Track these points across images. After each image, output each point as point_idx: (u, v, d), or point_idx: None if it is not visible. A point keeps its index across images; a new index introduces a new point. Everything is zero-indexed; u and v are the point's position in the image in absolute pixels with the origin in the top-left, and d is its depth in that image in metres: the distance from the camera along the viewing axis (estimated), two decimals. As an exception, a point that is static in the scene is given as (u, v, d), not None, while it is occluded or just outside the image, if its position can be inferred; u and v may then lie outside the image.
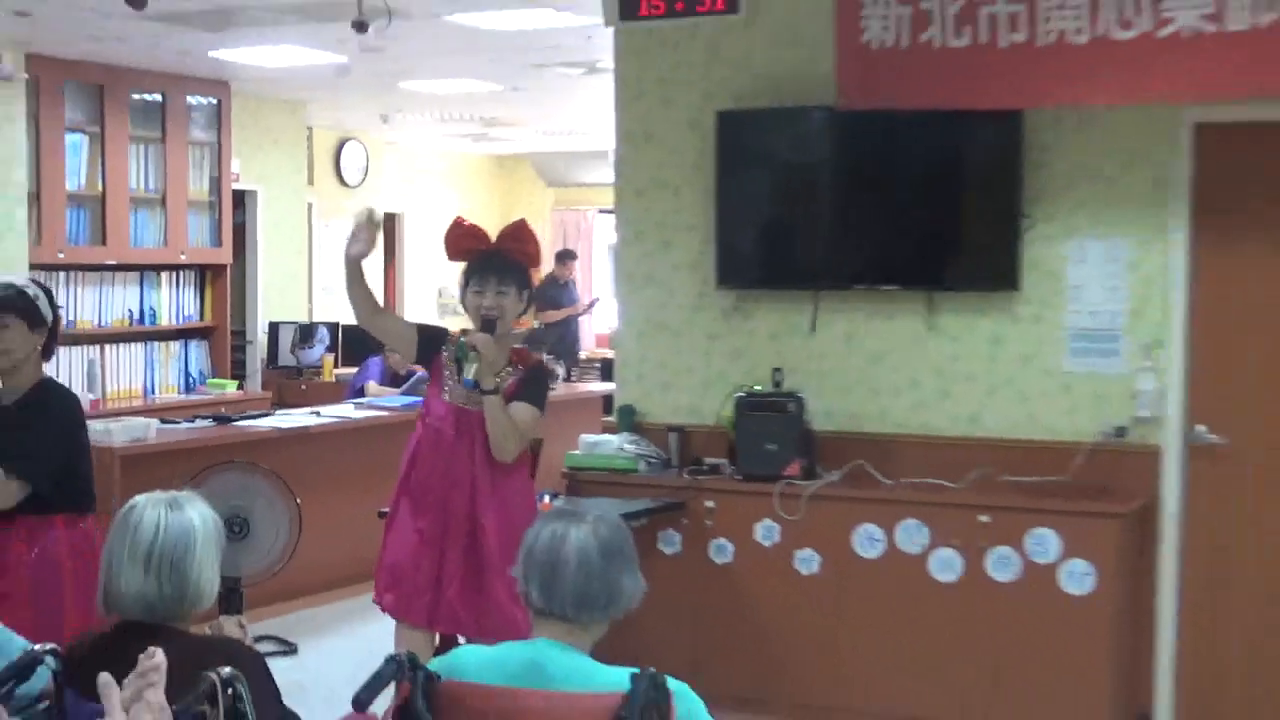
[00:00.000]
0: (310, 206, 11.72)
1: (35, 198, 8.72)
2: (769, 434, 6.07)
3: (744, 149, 6.28)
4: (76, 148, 9.14)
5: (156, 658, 2.15)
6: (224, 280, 10.26)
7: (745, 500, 6.03)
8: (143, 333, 9.73)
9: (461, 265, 4.99)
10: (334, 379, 10.66)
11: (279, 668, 3.58)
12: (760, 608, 6.01)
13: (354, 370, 10.23)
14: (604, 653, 2.79)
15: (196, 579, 2.81)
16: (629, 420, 6.60)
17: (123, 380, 9.54)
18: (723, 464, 6.23)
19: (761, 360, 6.35)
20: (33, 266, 8.62)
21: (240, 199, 10.61)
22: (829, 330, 6.30)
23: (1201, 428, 5.82)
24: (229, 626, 3.09)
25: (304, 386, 10.60)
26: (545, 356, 10.52)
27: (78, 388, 9.09)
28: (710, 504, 6.09)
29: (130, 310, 9.64)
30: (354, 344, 10.27)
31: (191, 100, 9.84)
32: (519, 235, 5.00)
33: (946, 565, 5.74)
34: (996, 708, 5.69)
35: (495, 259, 4.90)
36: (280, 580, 6.61)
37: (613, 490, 6.15)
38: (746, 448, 6.11)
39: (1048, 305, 5.99)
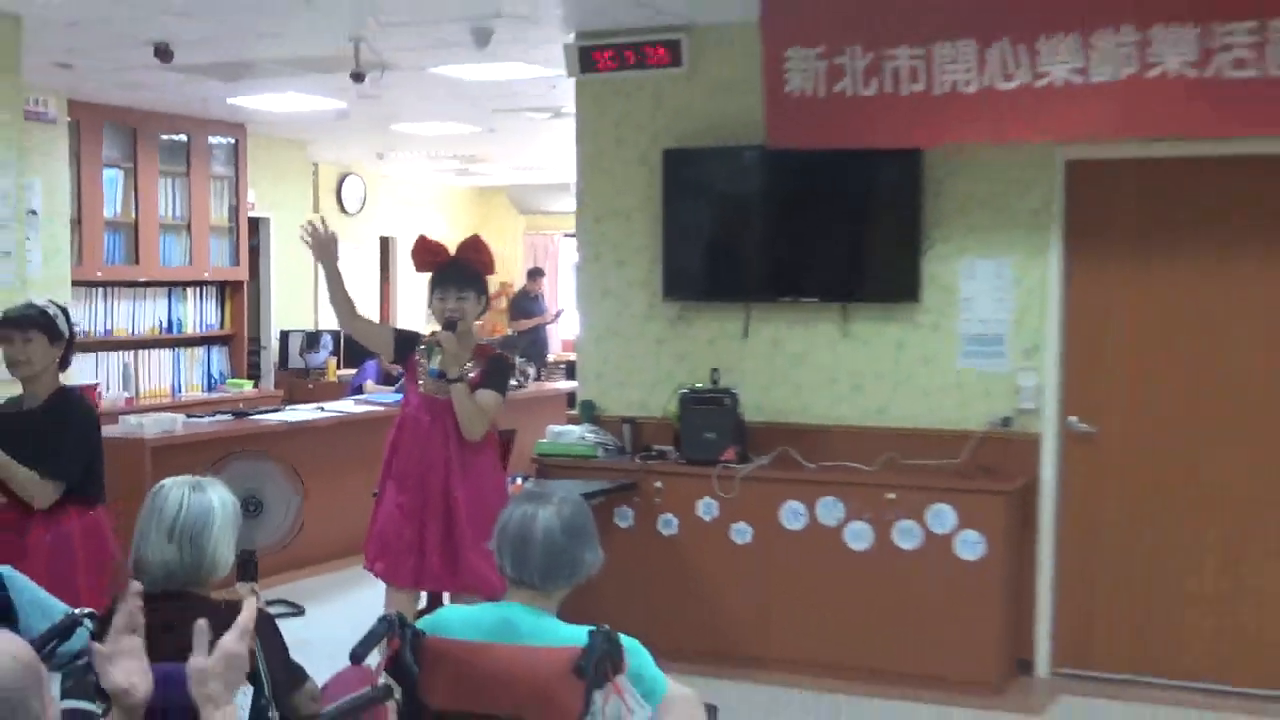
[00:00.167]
0: (315, 231, 11.67)
1: (77, 224, 8.69)
2: (708, 424, 6.09)
3: (686, 182, 6.30)
4: (113, 181, 9.10)
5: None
6: (241, 295, 10.25)
7: (688, 481, 6.04)
8: (171, 340, 9.70)
9: (427, 276, 5.01)
10: (336, 379, 10.64)
11: (288, 627, 3.57)
12: (701, 573, 6.03)
13: (354, 371, 10.21)
14: (567, 613, 2.80)
15: (213, 551, 2.81)
16: (589, 413, 6.61)
17: (153, 381, 9.50)
18: (669, 450, 6.25)
19: (701, 362, 6.36)
20: (75, 283, 8.60)
21: (255, 225, 10.57)
22: (759, 336, 6.32)
23: (1074, 418, 5.89)
24: (244, 592, 3.09)
25: (310, 385, 10.57)
26: (518, 359, 10.56)
27: (114, 388, 9.09)
28: (658, 484, 6.11)
29: (160, 320, 9.61)
30: (353, 349, 10.23)
31: (212, 140, 9.80)
32: (474, 247, 5.04)
33: (859, 536, 5.77)
34: (901, 655, 5.73)
35: (454, 269, 4.95)
36: (289, 552, 6.62)
37: (575, 473, 6.15)
38: (689, 436, 6.13)
39: (944, 315, 6.02)
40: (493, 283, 15.10)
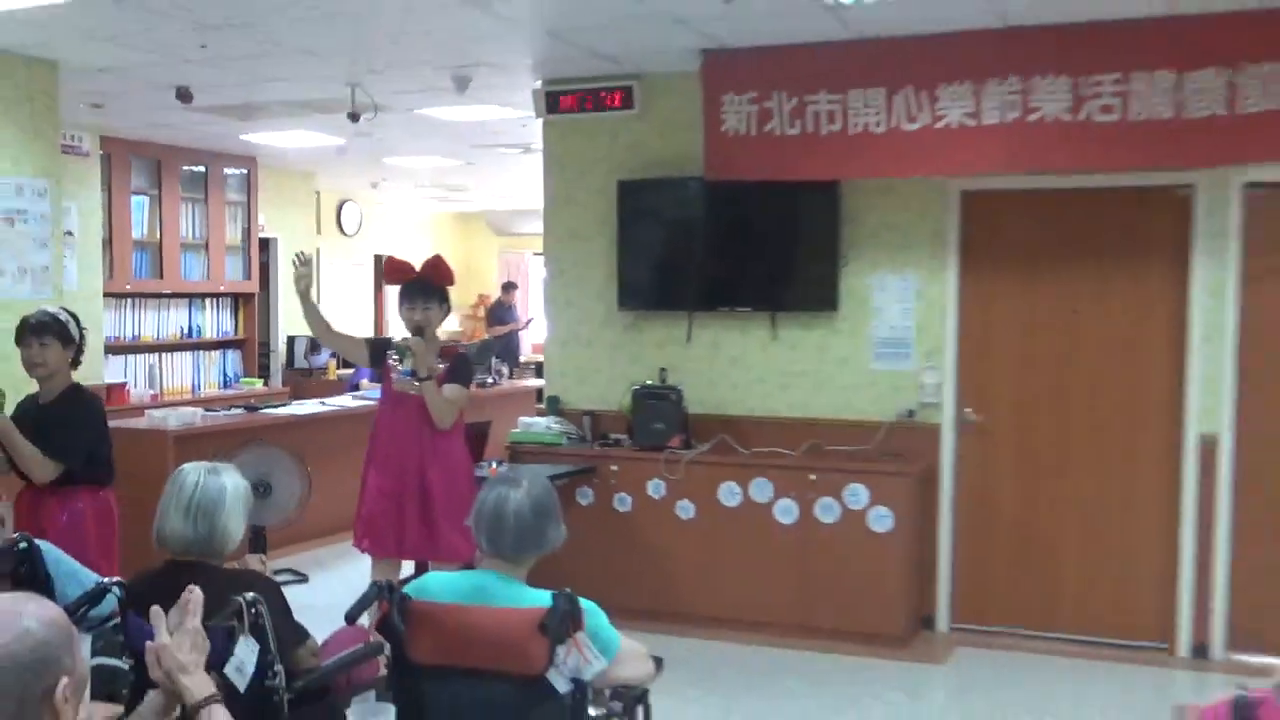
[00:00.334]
0: (318, 250, 11.57)
1: (109, 243, 8.59)
2: (657, 416, 6.09)
3: (638, 209, 6.30)
4: (140, 206, 9.00)
5: (195, 594, 2.13)
6: (253, 305, 10.16)
7: (640, 465, 6.03)
8: (191, 344, 9.61)
9: (397, 289, 5.01)
10: (336, 377, 10.54)
11: (293, 593, 3.54)
12: (651, 544, 6.02)
13: (351, 371, 10.13)
14: (536, 578, 2.79)
15: (224, 526, 2.79)
16: (555, 406, 6.59)
17: (176, 380, 9.42)
18: (623, 438, 6.24)
19: (651, 362, 6.36)
20: (107, 295, 8.51)
21: (265, 244, 10.48)
22: (700, 340, 6.32)
23: (967, 410, 5.93)
24: (253, 563, 3.07)
25: (314, 383, 10.50)
26: (494, 360, 10.55)
27: (141, 386, 8.99)
28: (614, 468, 6.09)
29: (181, 327, 9.52)
30: (377, 346, 10.17)
31: (227, 171, 9.71)
32: (436, 265, 5.01)
33: (786, 511, 5.79)
34: (823, 613, 5.76)
35: (420, 283, 4.94)
36: (295, 528, 6.54)
37: (543, 458, 6.13)
38: (640, 426, 6.13)
39: (859, 322, 6.05)
40: (471, 295, 15.18)
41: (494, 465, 5.90)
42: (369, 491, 4.94)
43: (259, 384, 9.94)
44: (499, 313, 12.96)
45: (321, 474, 6.22)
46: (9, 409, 4.31)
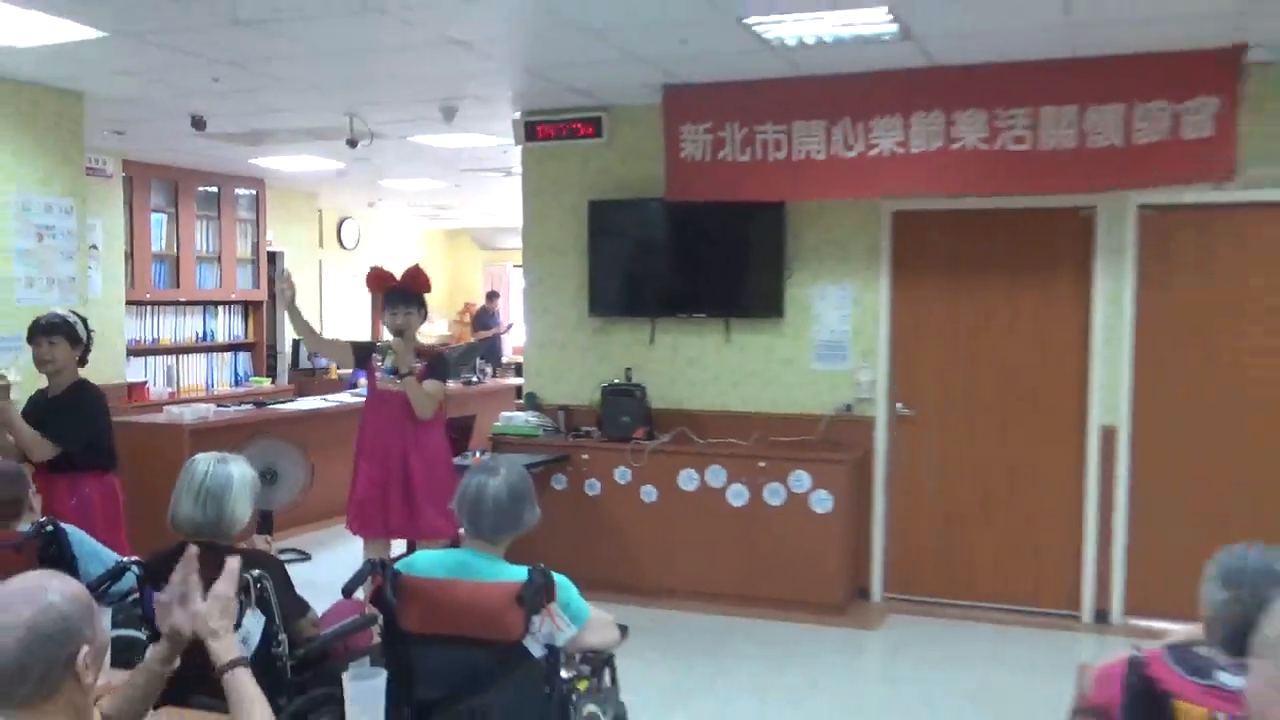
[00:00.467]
0: (320, 263, 11.52)
1: (130, 256, 8.49)
2: (623, 410, 6.09)
3: (606, 226, 6.30)
4: (159, 223, 8.91)
5: (231, 563, 2.09)
6: (261, 311, 10.07)
7: (608, 454, 6.03)
8: (205, 346, 9.52)
9: (380, 296, 4.98)
10: (337, 377, 10.48)
11: (297, 570, 3.53)
12: (618, 524, 6.02)
13: (350, 371, 10.10)
14: (515, 555, 2.79)
15: (230, 510, 2.77)
16: (533, 402, 6.57)
17: (191, 378, 9.33)
18: (593, 430, 6.23)
19: (618, 363, 6.36)
20: (129, 302, 8.40)
21: (272, 257, 10.38)
22: (661, 343, 6.33)
23: (899, 405, 5.95)
24: (259, 543, 3.05)
25: (316, 382, 10.43)
26: (479, 360, 10.52)
27: (160, 384, 8.90)
28: (585, 456, 6.08)
29: (196, 331, 9.43)
30: (361, 349, 10.11)
31: (238, 191, 9.62)
32: (414, 275, 4.97)
33: (738, 495, 5.80)
34: (770, 585, 5.77)
35: (400, 291, 4.92)
36: (299, 511, 6.54)
37: (522, 448, 6.12)
38: (609, 419, 6.13)
39: (802, 327, 6.07)
40: (459, 303, 15.10)
41: (477, 455, 5.89)
42: (359, 480, 4.92)
43: (267, 382, 9.86)
44: (483, 319, 12.94)
45: (322, 463, 6.19)
46: (22, 402, 4.26)
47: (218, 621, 1.98)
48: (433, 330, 13.13)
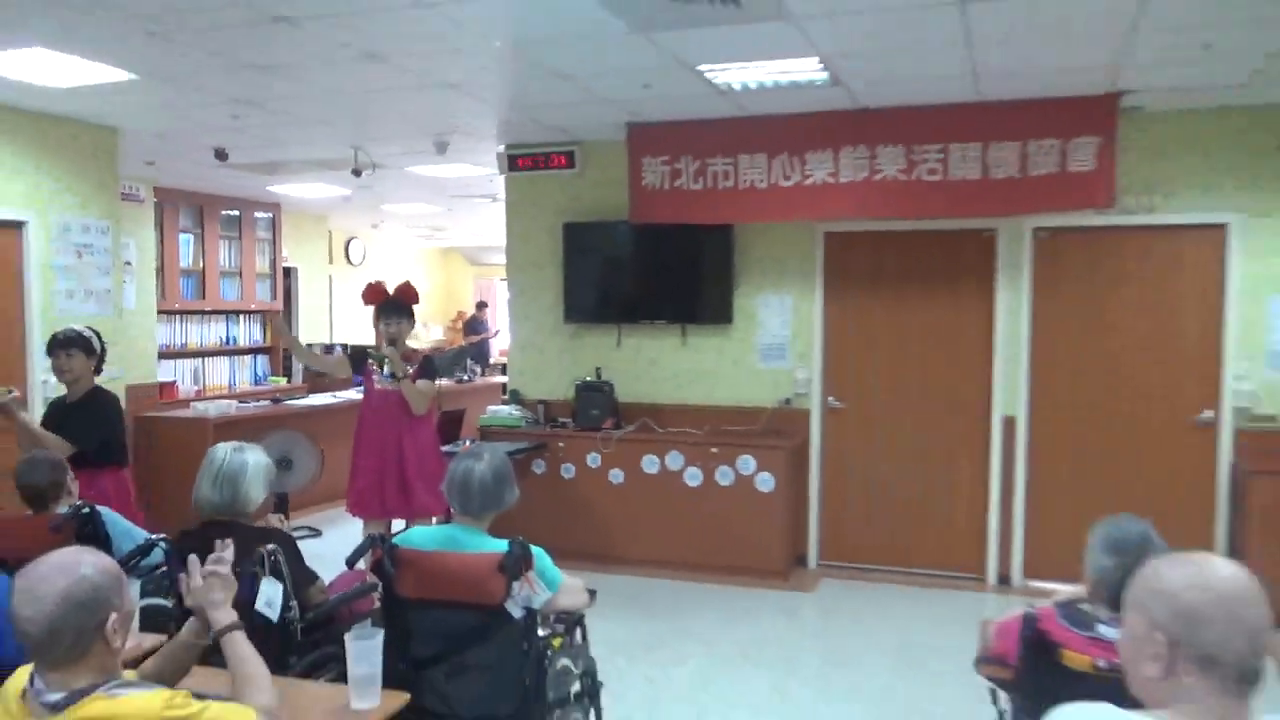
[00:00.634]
0: (330, 277, 11.39)
1: (161, 271, 8.34)
2: (594, 404, 6.08)
3: (579, 245, 6.27)
4: (187, 242, 8.76)
5: (227, 550, 2.08)
6: (278, 320, 9.92)
7: (581, 442, 6.01)
8: (228, 350, 9.37)
9: (373, 307, 4.90)
10: (346, 376, 10.35)
11: (309, 545, 3.48)
12: (590, 503, 6.00)
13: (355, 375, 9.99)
14: (501, 530, 2.77)
15: (245, 493, 2.74)
16: (515, 397, 6.54)
17: (216, 378, 9.18)
18: (568, 421, 6.20)
19: (590, 363, 6.34)
20: (160, 312, 8.26)
21: (288, 272, 10.27)
22: (627, 346, 6.32)
23: (831, 398, 5.97)
24: (274, 521, 3.01)
25: (327, 381, 10.27)
26: (469, 361, 10.44)
27: (187, 384, 8.76)
28: (561, 444, 6.06)
29: (220, 337, 9.28)
30: (356, 356, 10.02)
31: (257, 214, 9.49)
32: (405, 290, 4.92)
33: (693, 476, 5.79)
34: (722, 554, 5.77)
35: (392, 303, 4.87)
36: (311, 494, 6.47)
37: (506, 437, 6.08)
38: (581, 412, 6.11)
39: (748, 332, 6.07)
40: (452, 311, 14.97)
41: (466, 443, 5.85)
42: (358, 469, 4.87)
43: (283, 381, 9.72)
44: (474, 325, 12.87)
45: (331, 451, 6.14)
46: (39, 410, 4.16)
47: (216, 594, 1.97)
48: (429, 336, 13.03)
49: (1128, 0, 3.53)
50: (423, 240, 13.76)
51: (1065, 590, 2.52)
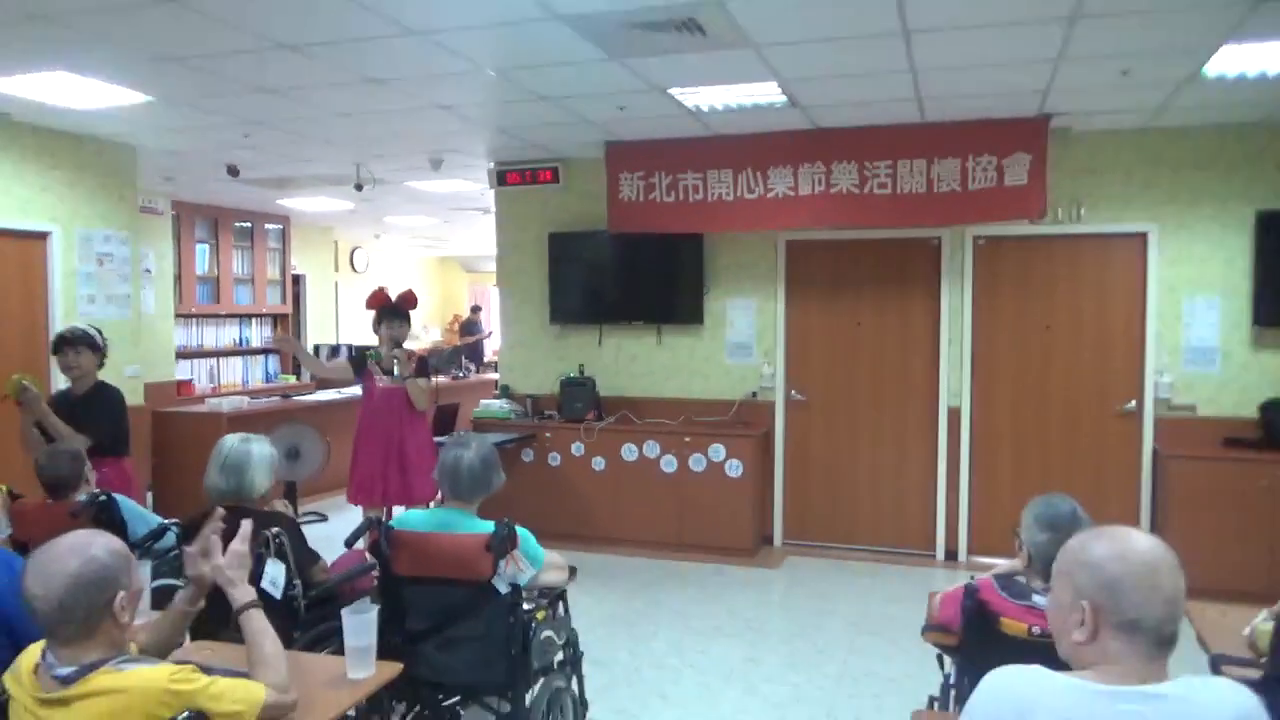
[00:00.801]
0: (336, 284, 11.30)
1: (178, 278, 8.24)
2: (578, 398, 6.05)
3: (564, 252, 6.24)
4: (203, 251, 8.65)
5: (245, 525, 2.03)
6: (287, 322, 9.81)
7: (566, 432, 5.98)
8: (241, 351, 9.27)
9: (374, 312, 4.85)
10: (349, 379, 10.27)
11: (316, 529, 3.45)
12: (574, 488, 5.98)
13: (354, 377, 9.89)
14: (494, 513, 2.73)
15: (250, 480, 2.70)
16: (506, 392, 6.49)
17: (230, 376, 9.08)
18: (554, 414, 6.17)
19: (574, 360, 6.31)
20: (177, 315, 8.16)
21: (297, 279, 10.18)
22: (608, 344, 6.29)
23: (793, 392, 5.97)
24: (279, 506, 2.96)
25: (333, 380, 10.19)
26: (464, 359, 10.37)
27: (203, 381, 8.66)
28: (548, 435, 6.03)
29: (234, 339, 9.18)
30: (357, 358, 9.91)
31: (268, 226, 9.40)
32: (406, 296, 4.88)
33: (669, 463, 5.78)
34: (694, 534, 5.76)
35: (395, 308, 4.82)
36: (318, 483, 6.39)
37: (497, 428, 6.04)
38: (566, 405, 6.07)
39: (717, 332, 6.06)
40: (449, 315, 14.86)
41: (460, 434, 5.80)
42: (361, 461, 4.81)
43: (293, 379, 9.64)
44: (469, 327, 12.81)
45: (337, 443, 6.07)
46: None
47: (235, 572, 1.92)
48: (428, 337, 12.95)
49: (1053, 32, 3.55)
50: (422, 249, 13.67)
51: (1003, 564, 2.51)
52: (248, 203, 8.53)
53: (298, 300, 10.34)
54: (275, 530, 2.50)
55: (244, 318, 9.31)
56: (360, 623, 2.09)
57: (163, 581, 2.56)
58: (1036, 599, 2.22)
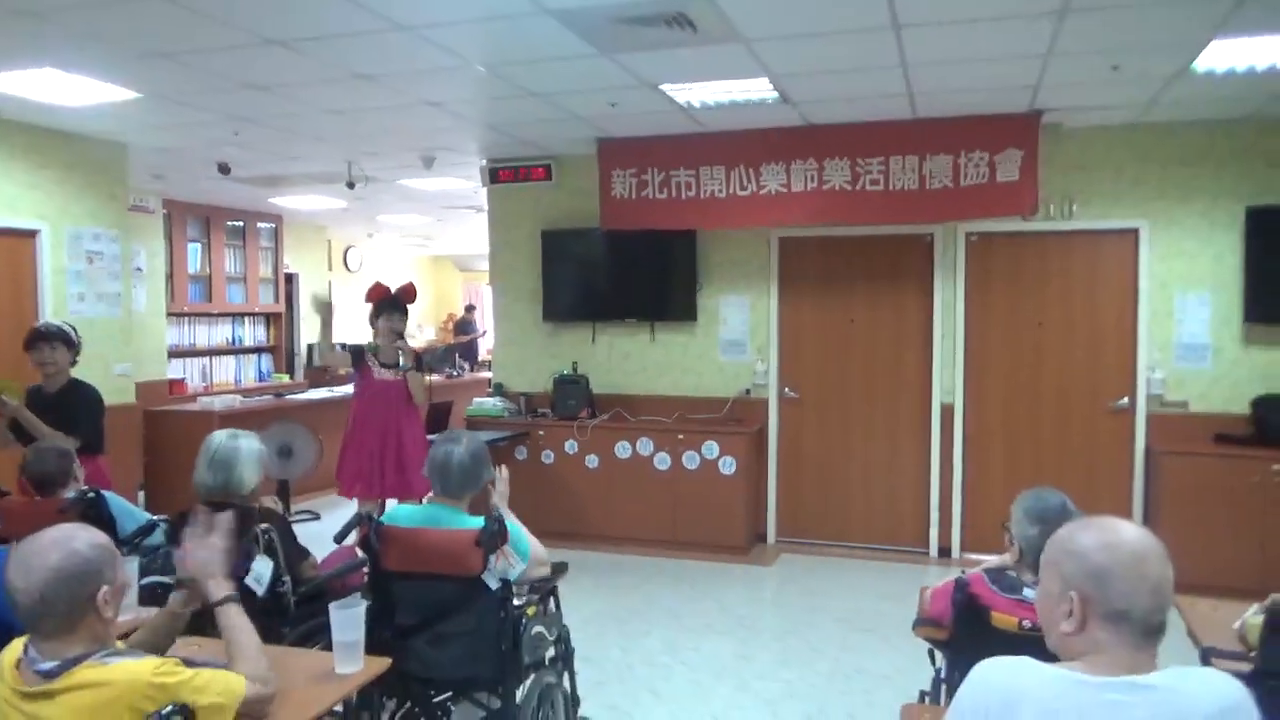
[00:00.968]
0: (330, 283, 11.25)
1: (170, 277, 8.20)
2: (571, 395, 6.04)
3: (556, 249, 6.23)
4: (194, 250, 8.61)
5: (223, 517, 2.02)
6: (280, 321, 9.77)
7: (559, 430, 5.97)
8: (235, 349, 9.23)
9: (373, 305, 4.84)
10: (343, 373, 10.24)
11: (308, 527, 3.43)
12: (567, 485, 5.97)
13: (350, 370, 9.85)
14: (484, 511, 2.72)
15: (238, 476, 2.67)
16: (500, 390, 6.49)
17: (223, 375, 9.05)
18: (548, 411, 6.17)
19: (567, 358, 6.30)
20: (169, 314, 8.12)
21: (289, 278, 10.14)
22: (601, 342, 6.29)
23: (786, 389, 5.97)
24: (268, 502, 2.94)
25: (326, 377, 10.17)
26: (458, 358, 10.36)
27: (196, 380, 8.62)
28: (541, 432, 6.02)
29: (227, 338, 9.14)
30: (354, 352, 9.88)
31: (260, 225, 9.35)
32: (406, 290, 4.89)
33: (662, 461, 5.78)
34: (688, 532, 5.76)
35: (394, 302, 4.82)
36: (311, 481, 6.37)
37: (491, 426, 6.04)
38: (560, 402, 6.07)
39: (710, 328, 6.06)
40: (443, 314, 14.83)
41: (450, 431, 5.79)
42: (359, 454, 4.79)
43: (285, 378, 9.61)
44: (463, 326, 12.79)
45: (330, 442, 6.04)
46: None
47: (211, 567, 1.91)
48: (423, 336, 12.92)
49: (1043, 26, 3.55)
50: (415, 248, 13.63)
51: (991, 559, 2.52)
52: (240, 201, 8.50)
53: (290, 300, 10.30)
54: (265, 526, 2.49)
55: (236, 316, 9.27)
56: (348, 618, 2.08)
57: (152, 579, 2.54)
58: (1027, 593, 2.22)
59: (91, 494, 2.89)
